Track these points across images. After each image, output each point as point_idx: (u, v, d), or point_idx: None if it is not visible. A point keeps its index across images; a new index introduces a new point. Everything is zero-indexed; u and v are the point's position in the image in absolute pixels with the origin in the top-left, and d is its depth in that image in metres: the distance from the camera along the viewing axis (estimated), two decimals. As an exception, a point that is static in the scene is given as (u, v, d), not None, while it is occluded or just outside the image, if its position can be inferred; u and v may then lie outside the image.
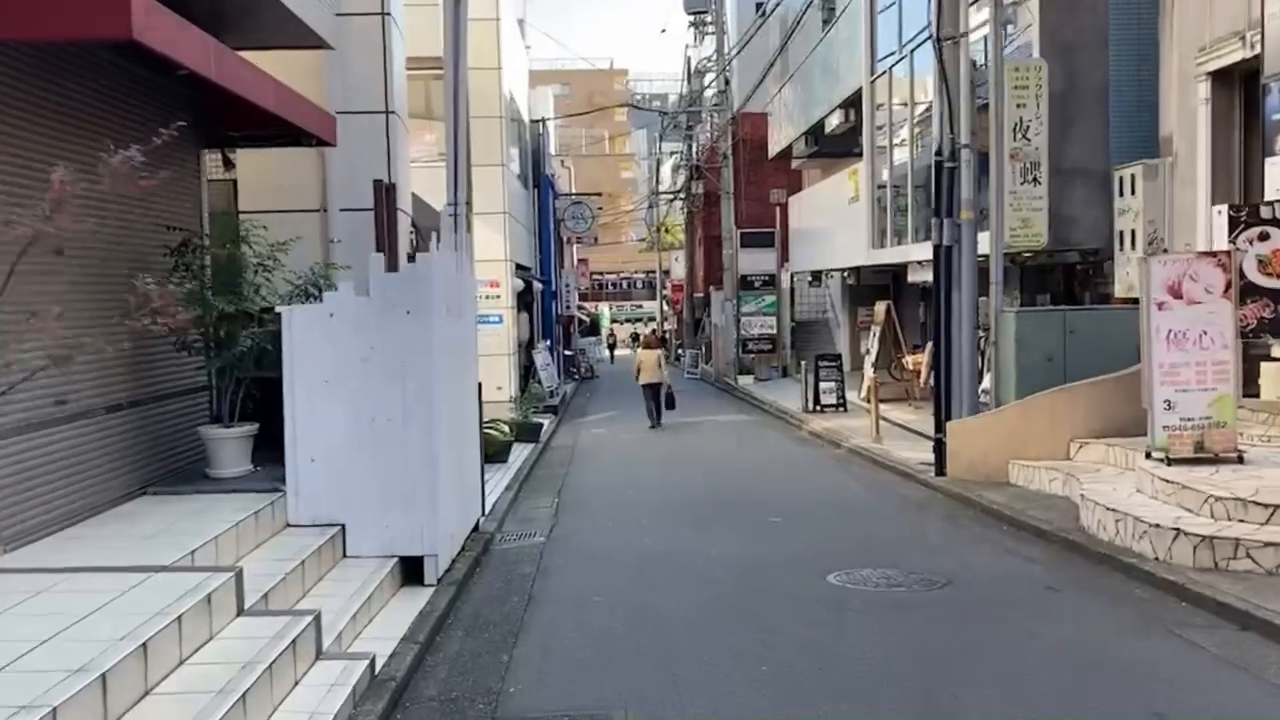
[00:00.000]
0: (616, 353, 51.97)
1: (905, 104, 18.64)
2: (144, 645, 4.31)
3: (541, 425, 17.59)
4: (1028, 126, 12.81)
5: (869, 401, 21.43)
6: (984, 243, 12.46)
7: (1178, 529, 7.50)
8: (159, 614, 4.66)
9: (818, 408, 20.46)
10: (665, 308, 54.75)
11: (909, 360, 21.02)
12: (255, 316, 8.01)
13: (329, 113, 9.03)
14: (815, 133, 25.61)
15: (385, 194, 9.94)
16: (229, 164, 9.19)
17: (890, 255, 19.68)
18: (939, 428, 12.40)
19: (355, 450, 7.42)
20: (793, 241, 28.20)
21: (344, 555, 7.38)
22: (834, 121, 23.06)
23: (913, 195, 18.43)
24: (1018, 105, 12.82)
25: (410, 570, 7.48)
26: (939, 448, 12.32)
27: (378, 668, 5.51)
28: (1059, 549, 8.67)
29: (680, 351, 45.48)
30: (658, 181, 45.45)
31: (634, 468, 14.62)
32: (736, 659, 5.93)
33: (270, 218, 9.72)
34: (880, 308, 22.07)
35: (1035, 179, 12.84)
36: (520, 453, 15.53)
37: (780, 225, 29.03)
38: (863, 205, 21.12)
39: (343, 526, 7.41)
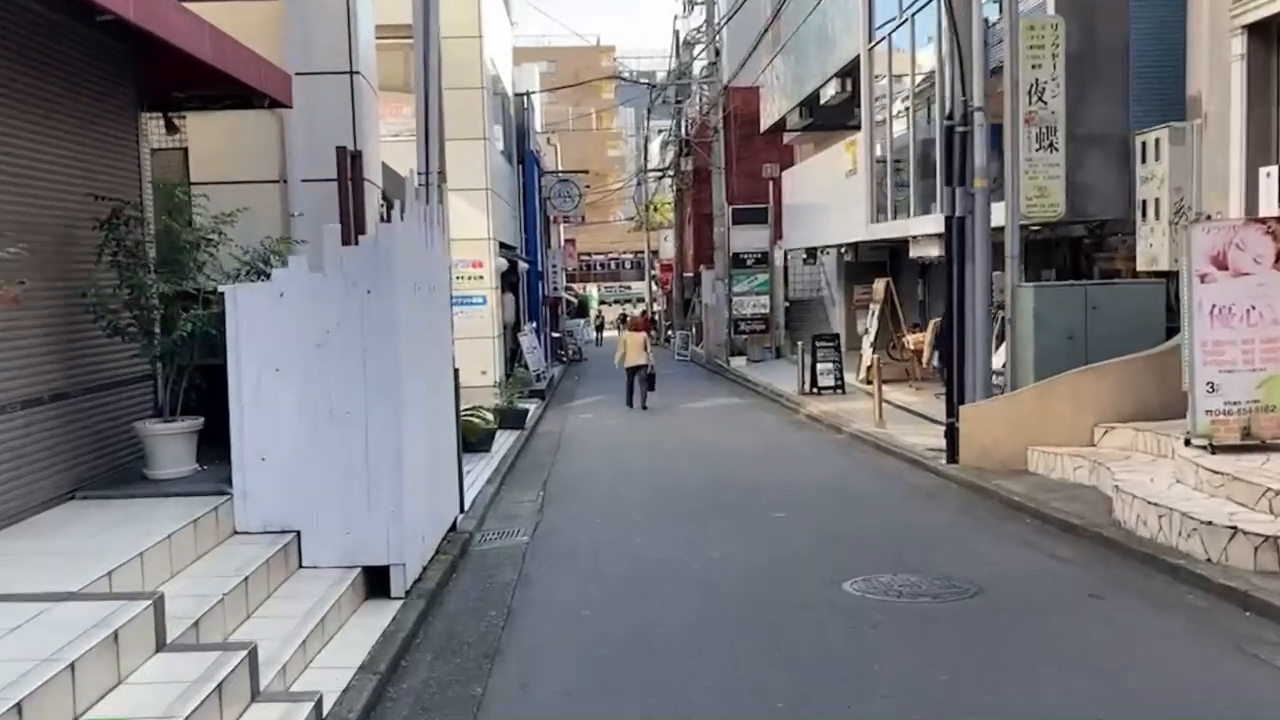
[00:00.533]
0: (605, 334, 50.83)
1: (905, 73, 17.76)
2: (18, 706, 3.46)
3: (527, 411, 16.74)
4: (1044, 89, 11.94)
5: (869, 383, 20.67)
6: (997, 214, 11.62)
7: (1234, 527, 6.69)
8: (48, 660, 3.80)
9: (815, 390, 19.65)
10: (654, 288, 53.86)
11: (909, 339, 20.21)
12: (200, 297, 7.11)
13: (282, 70, 8.10)
14: (809, 104, 24.71)
15: (349, 162, 9.05)
16: (172, 128, 8.26)
17: (890, 230, 18.84)
18: (950, 411, 11.59)
19: (311, 446, 6.56)
20: (786, 218, 27.33)
21: (299, 566, 6.52)
22: (830, 92, 22.16)
23: (914, 168, 17.58)
24: (1033, 66, 11.95)
25: (375, 581, 6.62)
26: (951, 433, 11.51)
27: (326, 709, 4.67)
28: (1093, 546, 7.87)
29: (670, 333, 44.63)
30: (646, 159, 44.46)
31: (624, 454, 13.79)
32: (752, 692, 5.11)
33: (225, 190, 8.82)
34: (879, 285, 21.26)
35: (1052, 145, 11.99)
36: (504, 441, 14.69)
37: (774, 201, 28.15)
38: (861, 179, 20.25)
39: (298, 534, 6.55)
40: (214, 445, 7.11)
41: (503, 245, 20.92)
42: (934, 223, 16.55)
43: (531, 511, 10.09)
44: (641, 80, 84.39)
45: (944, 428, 11.76)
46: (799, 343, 20.51)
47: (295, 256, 6.74)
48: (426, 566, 7.27)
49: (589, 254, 68.58)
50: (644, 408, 19.21)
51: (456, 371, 9.69)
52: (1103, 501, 8.75)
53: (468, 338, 19.02)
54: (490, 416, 13.65)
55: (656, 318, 46.36)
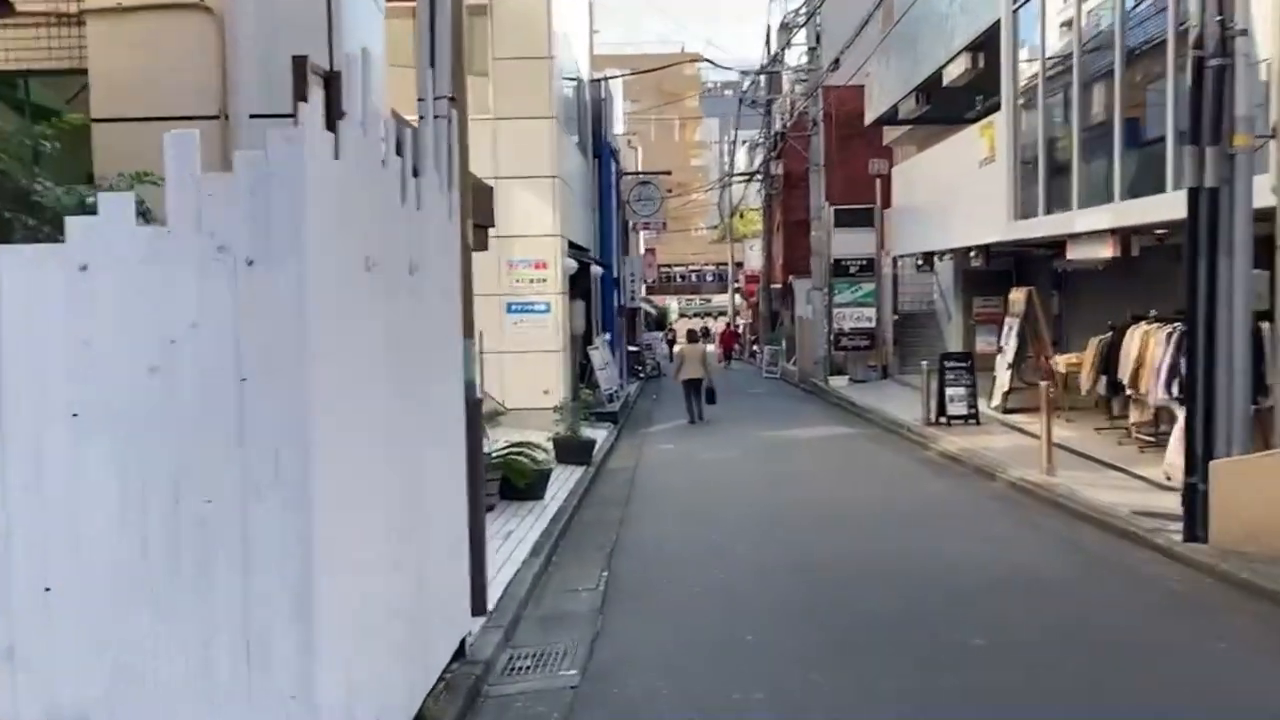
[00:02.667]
0: (675, 348, 46.58)
1: (1070, 22, 14.08)
2: None
3: (594, 442, 13.40)
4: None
5: (1007, 412, 16.97)
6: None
7: None
8: None
9: (943, 420, 15.99)
10: (738, 300, 50.29)
11: (1059, 361, 16.41)
12: None
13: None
14: (927, 89, 21.01)
15: (311, 80, 5.83)
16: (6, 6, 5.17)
17: (1041, 227, 15.11)
18: (1191, 467, 7.93)
19: (136, 570, 3.29)
20: (896, 220, 23.64)
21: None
22: (956, 70, 18.48)
23: (1078, 148, 13.85)
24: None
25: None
26: (1193, 497, 7.86)
27: None
28: None
29: (755, 348, 41.03)
30: (733, 160, 40.99)
31: (716, 510, 10.34)
32: None
33: (139, 130, 5.73)
34: (1019, 295, 17.51)
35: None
36: (563, 482, 11.38)
37: (880, 203, 24.48)
38: (1000, 167, 16.55)
39: (106, 738, 3.29)
40: None
41: (573, 246, 17.71)
42: (1109, 215, 12.86)
43: (587, 612, 6.71)
44: (725, 93, 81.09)
45: (1181, 489, 8.11)
46: (923, 363, 16.83)
47: (113, 197, 3.45)
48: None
49: (669, 265, 65.25)
50: (701, 419, 18.24)
51: (478, 403, 6.41)
52: None
53: (527, 351, 15.85)
54: (542, 455, 10.33)
55: (742, 331, 42.80)
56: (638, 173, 32.29)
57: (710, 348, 21.26)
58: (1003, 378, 17.23)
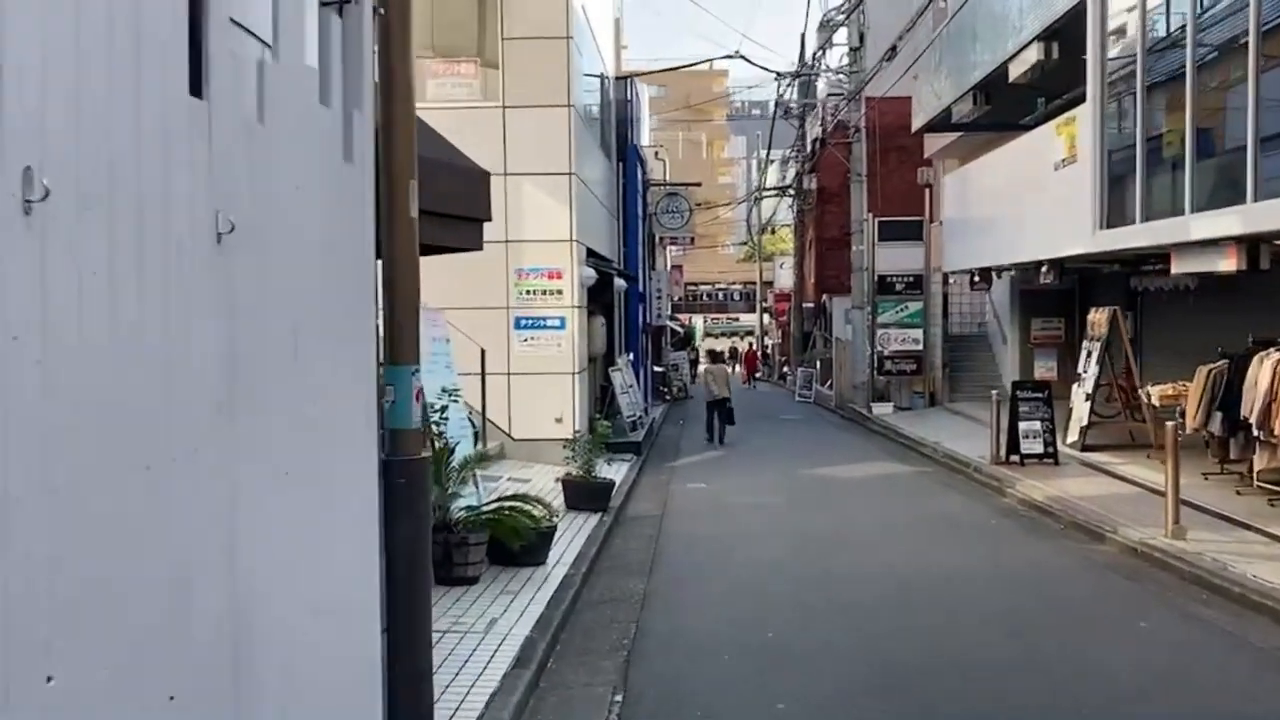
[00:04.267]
0: (701, 367, 43.74)
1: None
2: None
3: (611, 485, 11.04)
4: None
5: (1082, 449, 14.51)
6: None
7: None
8: None
9: (1016, 458, 13.56)
10: (766, 320, 47.88)
11: (1153, 392, 13.94)
12: None
13: None
14: (987, 87, 18.64)
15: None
16: None
17: (1139, 236, 12.66)
18: None
19: None
20: (947, 233, 21.23)
21: None
22: (1025, 63, 16.09)
23: (1190, 139, 11.44)
24: None
25: None
26: None
27: None
28: None
29: (786, 370, 38.60)
30: (764, 177, 38.61)
31: (768, 585, 7.91)
32: None
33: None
34: (1100, 316, 15.06)
35: None
36: (573, 537, 9.06)
37: (928, 215, 22.08)
38: (1083, 169, 14.14)
39: None
40: None
41: (592, 254, 15.43)
42: (1237, 219, 10.44)
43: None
44: (755, 110, 78.86)
45: None
46: (993, 392, 14.38)
47: None
48: None
49: (695, 284, 62.97)
50: (721, 442, 17.47)
51: (420, 464, 4.10)
52: None
53: (537, 373, 13.55)
54: (541, 511, 7.95)
55: (770, 352, 40.37)
56: (665, 183, 30.03)
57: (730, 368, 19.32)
58: (1080, 410, 14.77)
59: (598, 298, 16.81)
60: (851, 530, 10.01)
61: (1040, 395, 13.99)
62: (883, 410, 21.22)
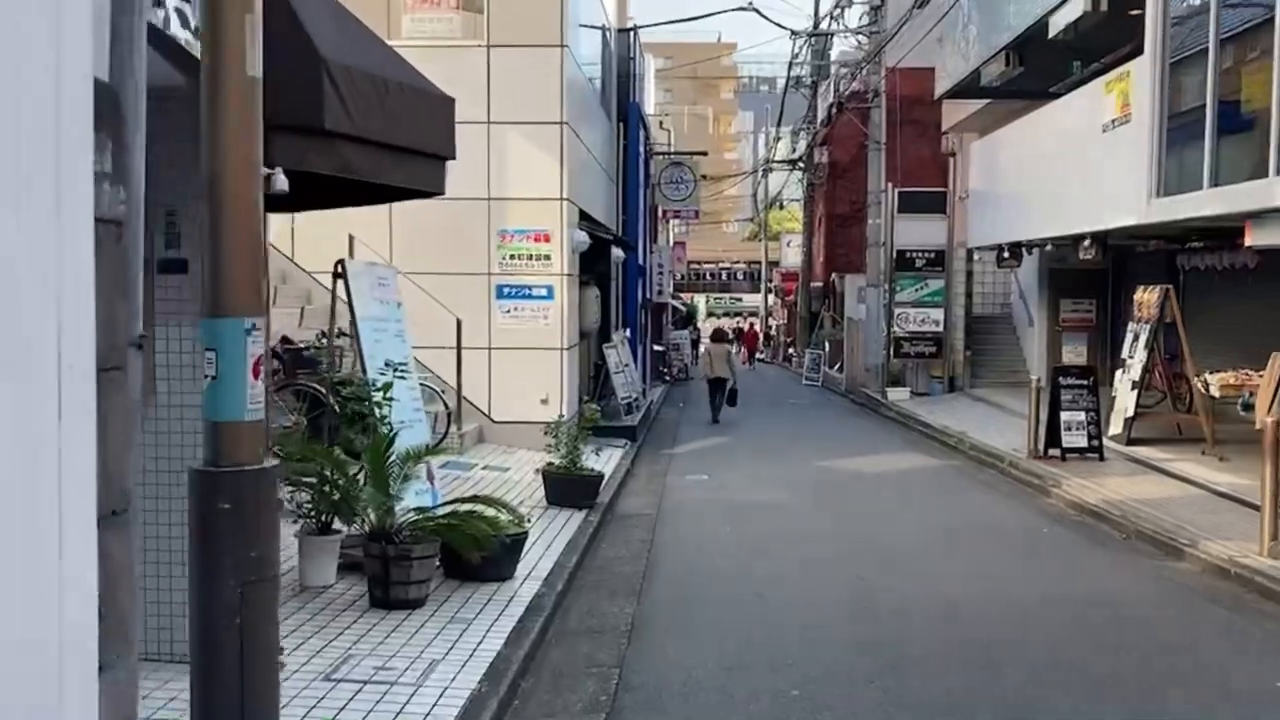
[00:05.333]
0: (700, 348, 41.54)
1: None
2: None
3: (600, 478, 9.48)
4: None
5: (1127, 443, 12.96)
6: None
7: None
8: None
9: (1056, 452, 12.04)
10: (772, 300, 46.24)
11: (1210, 381, 12.38)
12: None
13: None
14: (1021, 46, 16.96)
15: None
16: None
17: (1210, 203, 11.05)
18: None
19: None
20: (973, 206, 19.60)
21: None
22: (1069, 14, 14.43)
23: (1279, 92, 9.81)
24: None
25: None
26: None
27: None
28: None
29: (792, 352, 37.02)
30: (776, 142, 36.77)
31: (785, 618, 6.38)
32: None
33: None
34: (1150, 296, 13.47)
35: None
36: (550, 540, 7.53)
37: (951, 187, 20.42)
38: (1138, 130, 12.53)
39: None
40: None
41: (586, 219, 13.84)
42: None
43: None
44: (763, 86, 76.79)
45: None
46: (1033, 378, 12.79)
47: None
48: None
49: (698, 262, 61.20)
50: (715, 420, 17.12)
51: (267, 473, 2.52)
52: None
53: (522, 348, 12.00)
54: (506, 517, 6.39)
55: (775, 333, 38.73)
56: (670, 153, 28.35)
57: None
58: (1125, 400, 13.22)
59: (592, 267, 15.23)
60: (884, 539, 8.46)
61: (1085, 383, 12.42)
62: (899, 395, 19.66)
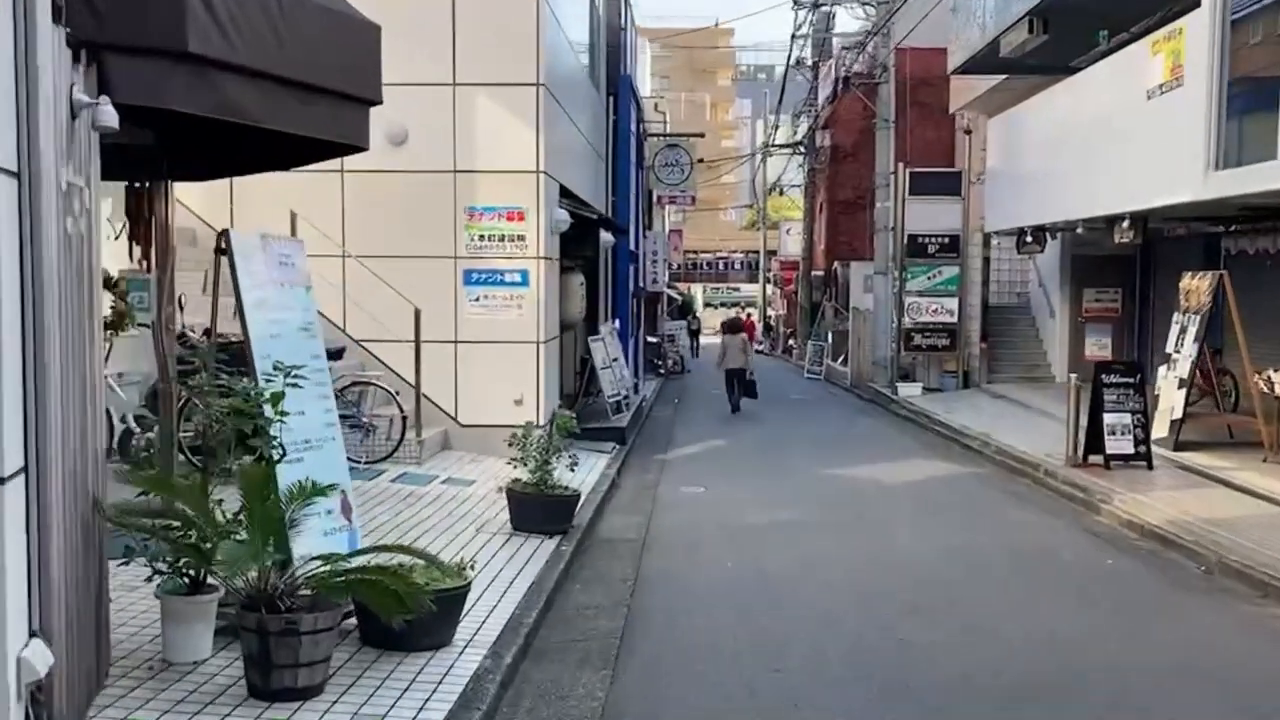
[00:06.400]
0: (702, 340, 39.44)
1: None
2: None
3: (575, 498, 7.90)
4: None
5: (1175, 448, 11.44)
6: None
7: None
8: None
9: (1100, 459, 10.52)
10: (770, 289, 44.68)
11: (1275, 379, 10.83)
12: None
13: None
14: (1046, 11, 15.37)
15: None
16: None
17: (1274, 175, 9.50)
18: None
19: None
20: (991, 187, 18.03)
21: None
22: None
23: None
24: None
25: None
26: None
27: None
28: None
29: (792, 342, 35.47)
30: (776, 125, 35.07)
31: (810, 700, 4.86)
32: None
33: None
34: (1201, 283, 11.93)
35: None
36: (503, 593, 5.96)
37: (968, 166, 18.82)
38: (1192, 94, 10.97)
39: None
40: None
41: (570, 196, 12.26)
42: None
43: None
44: (760, 74, 75.03)
45: None
46: (1071, 375, 11.21)
47: None
48: None
49: (695, 251, 59.52)
50: (737, 409, 16.70)
51: None
52: None
53: (492, 341, 10.45)
54: (439, 574, 4.83)
55: (774, 324, 37.17)
56: (664, 135, 26.76)
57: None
58: (1173, 398, 11.68)
59: (577, 251, 13.66)
60: (917, 574, 6.93)
61: (1131, 380, 10.89)
62: (910, 391, 18.11)
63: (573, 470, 7.80)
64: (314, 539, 4.94)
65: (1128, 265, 17.88)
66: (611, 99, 16.96)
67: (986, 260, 18.79)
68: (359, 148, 5.37)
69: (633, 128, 17.99)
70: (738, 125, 66.54)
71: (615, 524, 8.41)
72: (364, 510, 7.84)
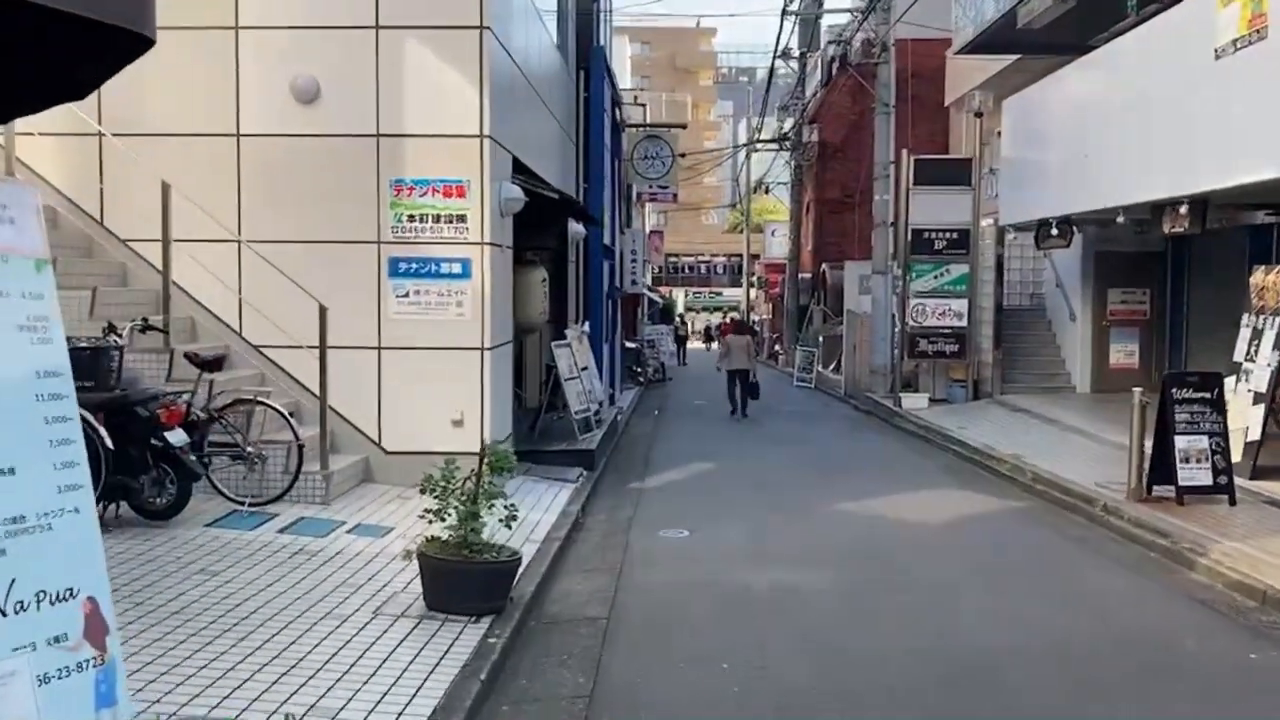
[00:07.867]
0: (688, 347, 37.31)
1: None
2: None
3: (514, 564, 5.70)
4: None
5: (1251, 476, 9.37)
6: None
7: None
8: None
9: (1161, 489, 8.47)
10: (754, 293, 42.63)
11: (1385, 395, 8.79)
12: None
13: None
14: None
15: None
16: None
17: None
18: None
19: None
20: (1005, 176, 15.99)
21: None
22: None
23: None
24: None
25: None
26: None
27: None
28: None
29: (778, 349, 33.41)
30: (763, 116, 32.92)
31: None
32: None
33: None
34: (1273, 278, 9.87)
35: None
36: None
37: (978, 154, 16.75)
38: (1271, 53, 8.94)
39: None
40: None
41: (526, 173, 10.07)
42: None
43: None
44: (742, 77, 73.07)
45: None
46: (1135, 390, 9.10)
47: None
48: None
49: (676, 255, 57.49)
50: (744, 415, 15.90)
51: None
52: None
53: (424, 348, 8.20)
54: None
55: (759, 328, 35.08)
56: (644, 125, 24.64)
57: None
58: (1249, 416, 9.63)
59: (540, 242, 11.51)
60: (999, 683, 4.79)
61: (1208, 396, 8.79)
62: (915, 403, 16.04)
63: (510, 526, 5.62)
64: (18, 692, 2.76)
65: (1156, 263, 15.90)
66: (583, 73, 14.82)
67: (1000, 258, 16.73)
68: (144, 40, 3.11)
69: (607, 106, 15.85)
70: (719, 125, 64.66)
71: (572, 591, 6.24)
72: (225, 575, 5.65)
